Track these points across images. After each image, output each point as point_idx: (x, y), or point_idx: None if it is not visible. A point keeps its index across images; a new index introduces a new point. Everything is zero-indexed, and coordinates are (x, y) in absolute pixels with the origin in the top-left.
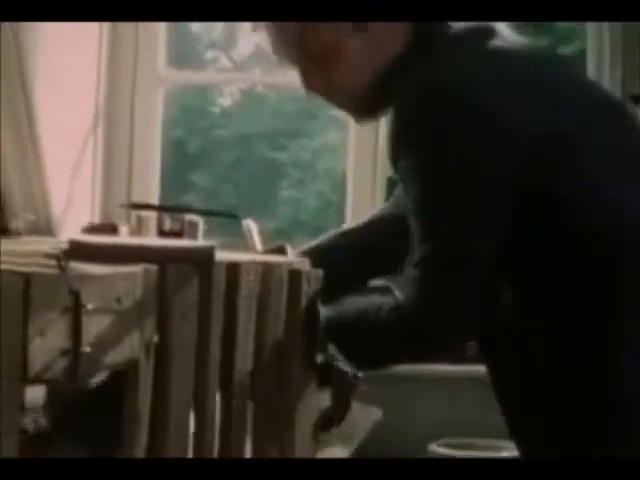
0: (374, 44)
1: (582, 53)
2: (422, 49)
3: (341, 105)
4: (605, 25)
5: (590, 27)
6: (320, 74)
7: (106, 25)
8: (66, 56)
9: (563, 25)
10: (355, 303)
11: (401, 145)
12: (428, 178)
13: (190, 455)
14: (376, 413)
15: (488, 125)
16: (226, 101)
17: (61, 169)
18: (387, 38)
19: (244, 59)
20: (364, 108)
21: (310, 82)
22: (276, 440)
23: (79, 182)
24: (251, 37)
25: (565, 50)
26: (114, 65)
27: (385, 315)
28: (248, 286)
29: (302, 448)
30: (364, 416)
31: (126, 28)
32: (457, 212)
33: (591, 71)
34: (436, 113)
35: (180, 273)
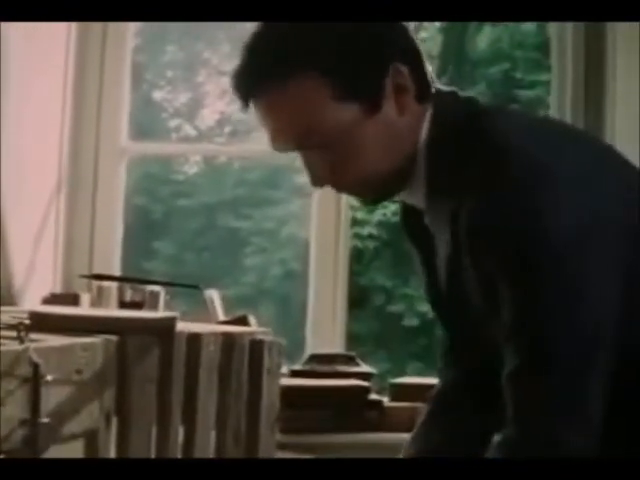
0: (393, 124)
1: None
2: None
3: (359, 193)
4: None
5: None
6: (339, 167)
7: (69, 95)
8: (29, 126)
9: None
10: None
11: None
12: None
13: None
14: None
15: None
16: (190, 169)
17: (23, 238)
18: (407, 114)
19: (208, 127)
20: (385, 193)
21: (328, 175)
22: None
23: (41, 251)
24: (216, 105)
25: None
26: (77, 135)
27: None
28: (209, 357)
29: None
30: None
31: (89, 98)
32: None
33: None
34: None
35: (141, 344)
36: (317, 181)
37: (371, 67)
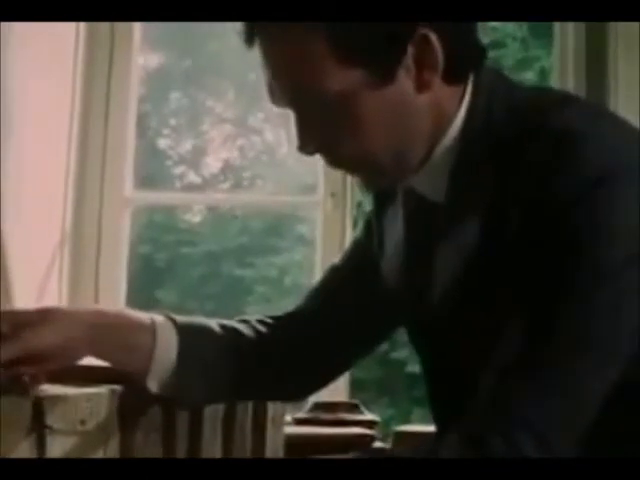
0: (407, 101)
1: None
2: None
3: (352, 170)
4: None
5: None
6: (333, 135)
7: (74, 144)
8: (31, 176)
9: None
10: None
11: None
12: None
13: None
14: None
15: None
16: (193, 218)
17: (27, 289)
18: (428, 93)
19: (212, 175)
20: (382, 177)
21: (319, 143)
22: None
23: (45, 302)
24: (220, 153)
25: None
26: (81, 184)
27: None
28: (213, 407)
29: None
30: None
31: (93, 146)
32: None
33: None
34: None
35: (144, 394)
36: (307, 146)
37: (389, 29)
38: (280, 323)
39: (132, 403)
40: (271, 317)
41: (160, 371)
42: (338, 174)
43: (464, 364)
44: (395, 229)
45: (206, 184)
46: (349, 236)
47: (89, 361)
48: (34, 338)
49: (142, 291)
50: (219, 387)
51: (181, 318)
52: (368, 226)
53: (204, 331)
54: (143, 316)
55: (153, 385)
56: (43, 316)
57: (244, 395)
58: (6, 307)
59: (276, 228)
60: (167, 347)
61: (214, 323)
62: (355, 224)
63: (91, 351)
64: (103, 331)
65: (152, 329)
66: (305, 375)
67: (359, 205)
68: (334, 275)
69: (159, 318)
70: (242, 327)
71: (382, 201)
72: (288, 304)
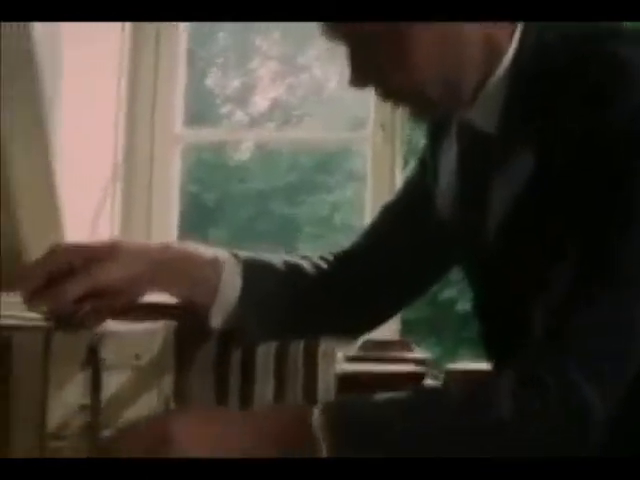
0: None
1: None
2: None
3: (405, 100)
4: None
5: None
6: (386, 64)
7: (124, 83)
8: (84, 114)
9: None
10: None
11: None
12: None
13: None
14: None
15: None
16: (242, 156)
17: (79, 225)
18: None
19: (260, 113)
20: (435, 106)
21: (372, 74)
22: None
23: (97, 238)
24: (267, 92)
25: None
26: (132, 123)
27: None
28: (265, 344)
29: None
30: None
31: (144, 87)
32: None
33: None
34: None
35: (199, 328)
36: (359, 79)
37: None
38: (338, 260)
39: (187, 339)
40: (331, 254)
41: (224, 305)
42: (387, 108)
43: (517, 301)
44: (449, 163)
45: (254, 122)
46: (400, 171)
47: (146, 297)
48: (103, 273)
49: (192, 230)
50: (279, 322)
51: (244, 253)
52: (422, 162)
53: (267, 266)
54: (208, 251)
55: (216, 320)
56: (111, 250)
57: (302, 331)
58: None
59: (325, 165)
60: (231, 281)
61: (277, 258)
62: (406, 159)
63: (157, 286)
64: (169, 265)
65: (217, 263)
66: (361, 313)
67: (409, 140)
68: (388, 214)
69: (223, 253)
70: (304, 263)
71: (436, 134)
72: (338, 242)
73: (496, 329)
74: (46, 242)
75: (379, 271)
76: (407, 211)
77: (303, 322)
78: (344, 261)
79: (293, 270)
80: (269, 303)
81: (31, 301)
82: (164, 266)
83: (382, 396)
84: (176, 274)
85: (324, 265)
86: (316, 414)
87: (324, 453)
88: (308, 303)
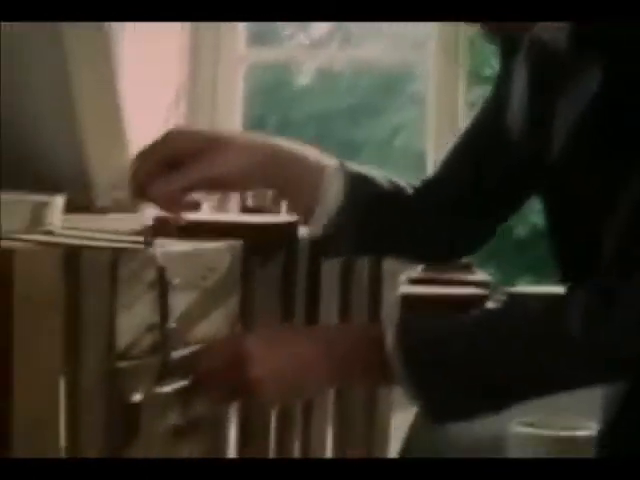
0: None
1: None
2: None
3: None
4: None
5: None
6: None
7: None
8: (148, 34)
9: None
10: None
11: None
12: None
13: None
14: None
15: None
16: (304, 78)
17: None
18: None
19: (322, 35)
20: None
21: None
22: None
23: None
24: None
25: None
26: (196, 43)
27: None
28: (331, 263)
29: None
30: None
31: None
32: None
33: None
34: None
35: (264, 249)
36: None
37: None
38: (427, 186)
39: (253, 258)
40: (420, 180)
41: (326, 211)
42: (451, 28)
43: (589, 221)
44: (520, 82)
45: (315, 45)
46: (462, 94)
47: (212, 216)
48: (216, 164)
49: None
50: (375, 237)
51: (350, 164)
52: (496, 85)
53: (370, 180)
54: (315, 154)
55: (316, 225)
56: (225, 142)
57: (393, 250)
58: (124, 165)
59: (387, 87)
60: (335, 190)
61: (380, 174)
62: (468, 81)
63: (265, 181)
64: (280, 163)
65: (323, 168)
66: (451, 239)
67: (472, 63)
68: (467, 139)
69: (330, 159)
70: (403, 184)
71: (507, 52)
72: (398, 165)
73: (569, 249)
74: (111, 163)
75: (466, 195)
76: (485, 136)
77: (398, 241)
78: (433, 187)
79: (394, 188)
80: (369, 216)
81: (140, 189)
82: (275, 163)
83: (454, 315)
84: (285, 173)
85: (419, 188)
86: (389, 333)
87: (398, 373)
88: (405, 222)
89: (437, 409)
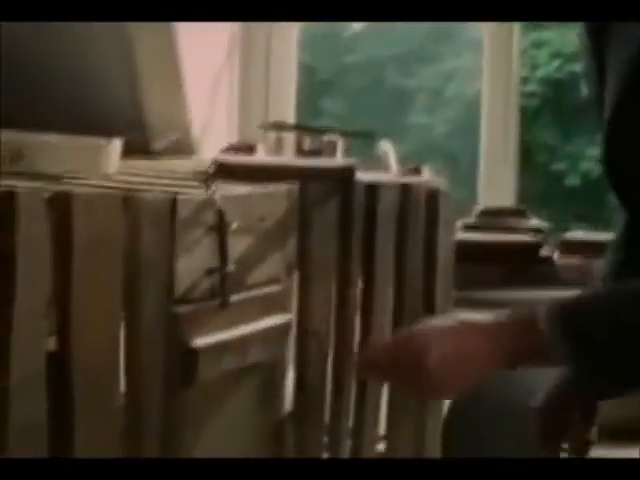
0: None
1: None
2: None
3: None
4: None
5: None
6: None
7: None
8: None
9: None
10: None
11: None
12: None
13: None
14: None
15: None
16: (356, 26)
17: (199, 92)
18: None
19: None
20: None
21: None
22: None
23: (217, 105)
24: None
25: None
26: None
27: None
28: (387, 207)
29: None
30: None
31: None
32: None
33: None
34: None
35: (322, 191)
36: None
37: None
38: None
39: (310, 201)
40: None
41: None
42: None
43: None
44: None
45: None
46: (517, 41)
47: (266, 159)
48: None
49: (308, 101)
50: None
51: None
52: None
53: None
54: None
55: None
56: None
57: None
58: (180, 109)
59: (440, 34)
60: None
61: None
62: (523, 26)
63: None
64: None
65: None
66: None
67: None
68: None
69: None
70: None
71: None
72: (451, 112)
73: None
74: (167, 107)
75: None
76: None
77: None
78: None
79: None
80: None
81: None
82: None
83: (605, 289)
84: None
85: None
86: (544, 319)
87: (562, 358)
88: None
89: (615, 379)
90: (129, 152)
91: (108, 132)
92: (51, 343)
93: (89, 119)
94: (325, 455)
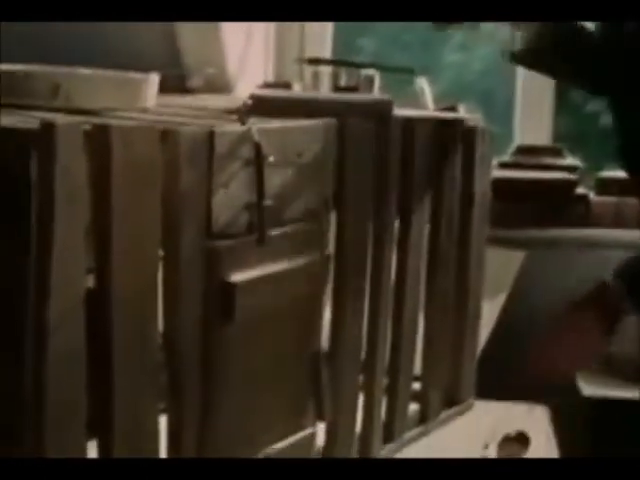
0: None
1: None
2: None
3: None
4: None
5: None
6: None
7: None
8: None
9: None
10: None
11: None
12: None
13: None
14: None
15: None
16: None
17: (235, 29)
18: None
19: None
20: None
21: None
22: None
23: (253, 43)
24: None
25: None
26: None
27: None
28: (424, 143)
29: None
30: None
31: None
32: None
33: None
34: None
35: (359, 127)
36: None
37: None
38: None
39: (346, 137)
40: None
41: None
42: None
43: None
44: None
45: None
46: None
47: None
48: None
49: (343, 39)
50: None
51: None
52: None
53: None
54: None
55: None
56: None
57: None
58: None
59: None
60: None
61: None
62: None
63: None
64: None
65: None
66: None
67: None
68: None
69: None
70: None
71: None
72: (484, 51)
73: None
74: (203, 45)
75: None
76: None
77: None
78: None
79: None
80: None
81: None
82: None
83: None
84: None
85: None
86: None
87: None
88: None
89: None
90: (165, 89)
91: (144, 70)
92: (90, 280)
93: (125, 57)
94: (360, 393)
